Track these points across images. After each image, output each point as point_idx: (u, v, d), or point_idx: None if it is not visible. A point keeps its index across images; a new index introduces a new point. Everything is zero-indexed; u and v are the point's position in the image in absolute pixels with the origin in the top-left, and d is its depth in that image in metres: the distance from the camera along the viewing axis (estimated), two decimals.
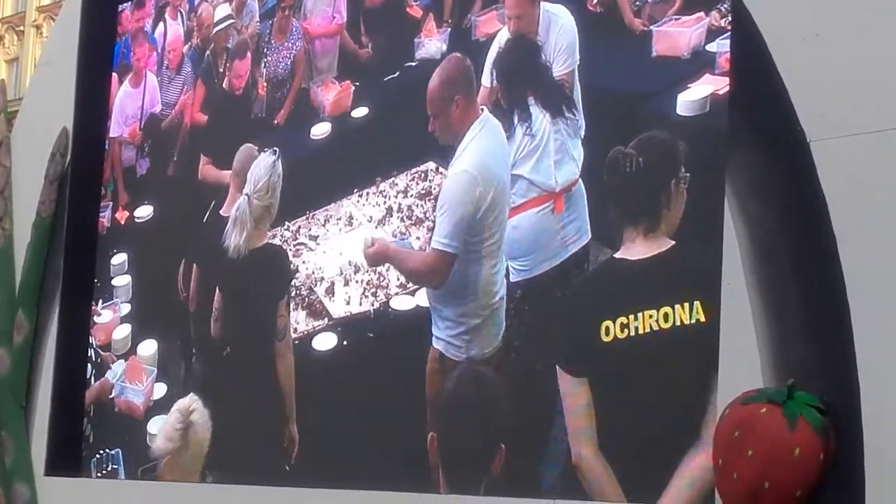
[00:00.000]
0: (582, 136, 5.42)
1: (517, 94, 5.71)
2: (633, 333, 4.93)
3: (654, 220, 4.99)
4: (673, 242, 4.95)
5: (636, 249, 5.04)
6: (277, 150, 6.86)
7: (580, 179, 5.40)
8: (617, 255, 5.14)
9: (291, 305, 6.65)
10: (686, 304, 4.79)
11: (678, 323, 4.83)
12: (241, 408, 6.82)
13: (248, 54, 7.21)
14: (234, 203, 7.05)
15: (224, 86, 7.36)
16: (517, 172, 5.62)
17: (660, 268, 4.96)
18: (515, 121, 5.67)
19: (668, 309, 4.86)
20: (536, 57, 5.65)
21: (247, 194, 6.90)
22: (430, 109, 6.10)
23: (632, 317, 4.94)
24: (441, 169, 6.06)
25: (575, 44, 5.53)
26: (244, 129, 7.16)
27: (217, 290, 7.08)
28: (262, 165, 6.90)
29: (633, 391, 4.96)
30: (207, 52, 7.52)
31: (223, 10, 7.47)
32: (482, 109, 5.91)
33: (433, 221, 6.05)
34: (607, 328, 5.01)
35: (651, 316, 4.90)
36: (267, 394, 6.65)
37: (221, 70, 7.43)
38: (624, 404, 4.97)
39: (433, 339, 5.86)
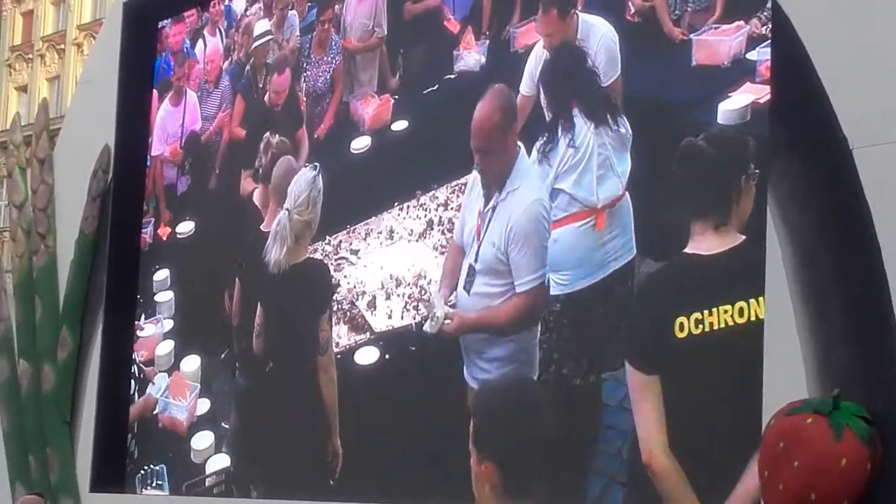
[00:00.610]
0: (630, 148, 5.37)
1: (562, 104, 5.67)
2: (707, 329, 4.84)
3: (724, 214, 4.90)
4: (744, 237, 4.86)
5: (707, 244, 4.95)
6: (318, 165, 6.86)
7: (626, 194, 5.35)
8: (688, 251, 5.03)
9: (333, 320, 6.65)
10: (761, 299, 4.67)
11: (753, 318, 4.74)
12: (284, 422, 6.82)
13: (287, 70, 7.22)
14: (274, 218, 7.06)
15: (265, 100, 7.37)
16: (559, 186, 5.59)
17: (733, 262, 4.87)
18: (559, 132, 5.62)
19: (743, 304, 4.79)
20: (582, 64, 5.62)
21: (287, 209, 6.91)
22: (475, 144, 6.07)
23: (706, 312, 4.86)
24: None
25: (616, 53, 5.51)
26: (284, 145, 7.18)
27: (259, 306, 7.09)
28: (303, 180, 6.91)
29: (706, 388, 4.86)
30: (247, 67, 7.54)
31: (262, 25, 7.49)
32: (519, 146, 5.91)
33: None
34: (681, 324, 4.93)
35: (726, 311, 4.83)
36: (310, 408, 6.66)
37: (261, 85, 7.46)
38: (696, 401, 4.87)
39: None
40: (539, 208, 5.78)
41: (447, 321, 6.05)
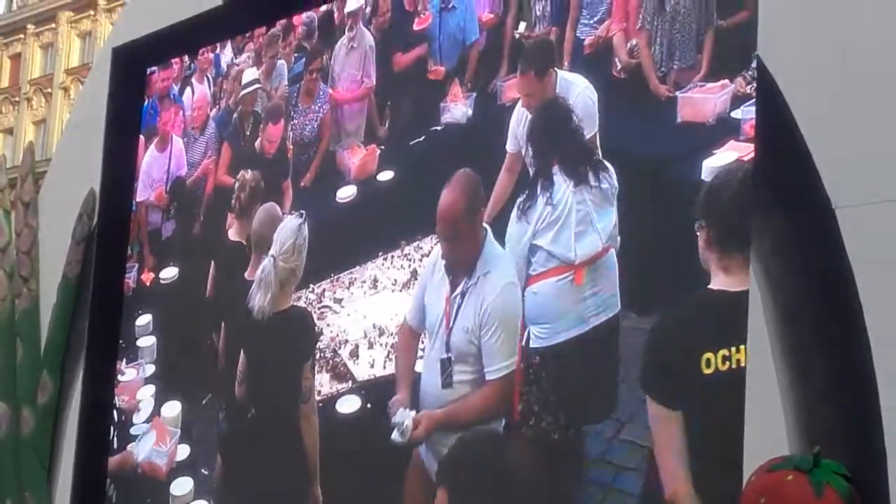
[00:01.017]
0: (615, 202, 5.39)
1: (544, 161, 5.71)
2: (734, 366, 4.74)
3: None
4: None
5: (733, 280, 4.88)
6: (304, 212, 6.88)
7: (612, 249, 5.34)
8: (714, 287, 4.98)
9: (316, 368, 6.65)
10: None
11: None
12: (265, 469, 6.81)
13: (282, 120, 7.25)
14: (257, 265, 7.07)
15: (255, 146, 7.39)
16: (537, 243, 5.62)
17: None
18: (538, 190, 5.67)
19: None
20: (566, 122, 5.66)
21: (273, 256, 6.92)
22: (440, 231, 6.14)
23: (734, 349, 4.77)
24: None
25: (594, 110, 5.55)
26: (270, 191, 7.20)
27: (242, 353, 7.09)
28: (289, 228, 6.93)
29: (730, 425, 4.66)
30: (234, 115, 7.58)
31: (250, 73, 7.53)
32: (486, 229, 5.98)
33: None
34: (708, 360, 4.88)
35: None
36: (291, 455, 6.64)
37: (248, 132, 7.49)
38: (720, 438, 4.72)
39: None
40: (514, 291, 5.80)
41: (417, 429, 5.98)
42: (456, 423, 5.90)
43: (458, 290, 6.00)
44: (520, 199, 5.73)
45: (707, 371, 4.86)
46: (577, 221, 5.49)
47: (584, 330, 5.39)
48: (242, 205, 7.31)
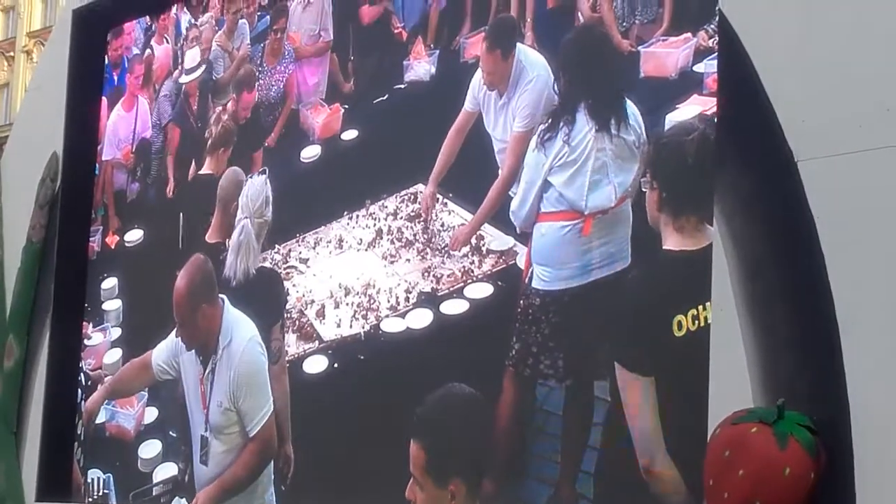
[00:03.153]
0: (639, 156, 5.22)
1: (570, 94, 5.52)
2: (702, 324, 4.70)
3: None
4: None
5: (689, 240, 4.88)
6: (266, 169, 6.85)
7: (627, 200, 5.20)
8: (671, 248, 4.95)
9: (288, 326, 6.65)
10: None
11: None
12: None
13: (255, 89, 7.20)
14: (219, 229, 7.04)
15: (222, 118, 7.34)
16: (551, 179, 5.51)
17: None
18: (560, 124, 5.51)
19: None
20: (601, 59, 5.51)
21: (247, 217, 6.87)
22: (178, 317, 6.81)
23: (700, 307, 4.72)
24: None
25: (541, 97, 5.55)
26: (235, 152, 7.17)
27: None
28: (254, 186, 6.90)
29: (703, 384, 4.59)
30: (179, 97, 7.56)
31: (193, 56, 7.51)
32: (223, 300, 6.53)
33: (422, 244, 6.06)
34: (679, 322, 4.84)
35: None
36: None
37: (195, 109, 7.46)
38: (694, 399, 4.60)
39: None
40: (255, 346, 6.40)
41: None
42: (231, 490, 6.54)
43: (209, 367, 6.62)
44: (542, 128, 5.58)
45: (679, 333, 4.85)
46: (593, 169, 5.36)
47: (586, 281, 5.30)
48: (215, 140, 7.29)
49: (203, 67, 7.52)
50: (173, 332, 7.10)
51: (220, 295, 6.80)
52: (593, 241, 5.32)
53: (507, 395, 5.54)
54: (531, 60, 5.68)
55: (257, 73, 7.15)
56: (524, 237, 5.61)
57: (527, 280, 5.55)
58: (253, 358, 6.57)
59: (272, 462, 6.49)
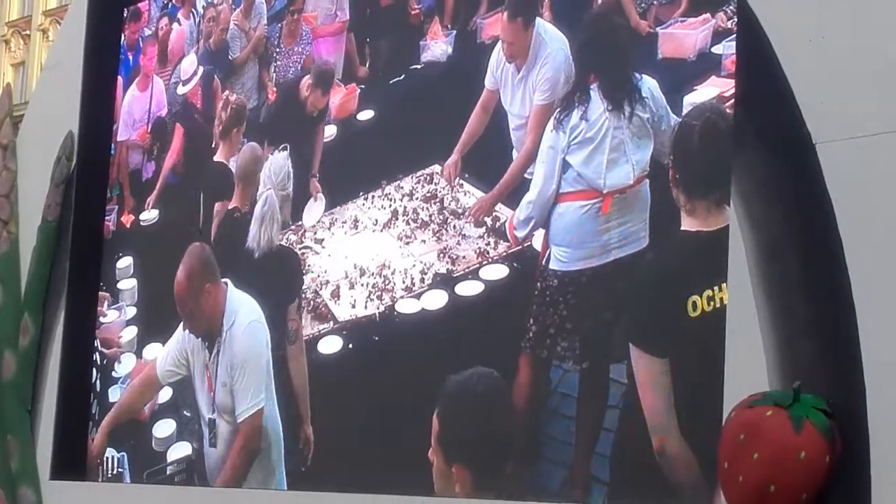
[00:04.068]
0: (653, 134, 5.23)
1: (582, 73, 5.54)
2: (718, 305, 4.68)
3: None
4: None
5: (704, 221, 4.86)
6: (287, 146, 6.81)
7: (645, 180, 5.20)
8: (689, 228, 4.94)
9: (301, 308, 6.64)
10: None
11: None
12: None
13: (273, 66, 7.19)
14: (240, 200, 7.03)
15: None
16: (569, 159, 5.50)
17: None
18: (575, 102, 5.51)
19: None
20: (612, 37, 5.51)
21: (270, 189, 6.85)
22: (180, 309, 6.96)
23: (716, 288, 4.72)
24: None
25: (561, 70, 5.53)
26: (252, 131, 7.16)
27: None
28: (276, 161, 6.86)
29: (718, 365, 4.56)
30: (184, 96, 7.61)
31: (190, 62, 7.57)
32: (226, 283, 6.64)
33: (438, 225, 6.05)
34: (694, 303, 4.83)
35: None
36: (281, 396, 6.64)
37: (200, 107, 7.50)
38: (709, 380, 4.59)
39: None
40: (258, 327, 6.47)
41: None
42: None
43: (214, 350, 6.73)
44: (557, 109, 5.58)
45: (694, 314, 4.84)
46: (610, 148, 5.35)
47: (605, 261, 5.30)
48: (224, 126, 7.28)
49: (201, 69, 7.51)
50: (177, 332, 7.16)
51: (224, 279, 6.84)
52: (612, 221, 5.30)
53: (523, 377, 5.53)
54: (550, 34, 5.66)
55: (274, 55, 7.13)
56: (542, 219, 5.59)
57: (544, 262, 5.54)
58: (253, 340, 6.62)
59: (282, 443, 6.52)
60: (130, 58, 8.10)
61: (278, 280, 6.81)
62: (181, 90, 7.67)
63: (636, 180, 5.23)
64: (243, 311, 6.73)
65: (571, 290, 5.40)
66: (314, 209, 6.70)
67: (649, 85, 5.23)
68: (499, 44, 5.88)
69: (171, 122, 7.73)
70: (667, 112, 5.15)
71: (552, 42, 5.64)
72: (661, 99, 5.19)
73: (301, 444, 6.50)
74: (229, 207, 7.11)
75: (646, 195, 5.21)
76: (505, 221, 5.77)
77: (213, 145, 7.35)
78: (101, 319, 7.86)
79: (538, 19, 5.71)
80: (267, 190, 6.87)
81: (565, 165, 5.51)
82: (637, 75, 5.28)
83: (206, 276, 6.98)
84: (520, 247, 5.70)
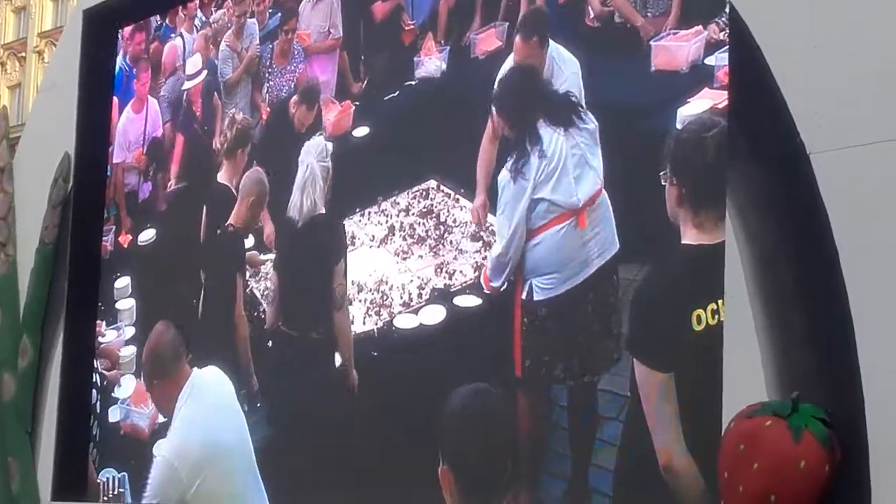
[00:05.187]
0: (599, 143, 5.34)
1: (524, 121, 5.65)
2: (722, 318, 4.63)
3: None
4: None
5: (707, 234, 4.86)
6: (322, 132, 6.72)
7: (603, 190, 5.30)
8: (689, 242, 4.95)
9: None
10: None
11: None
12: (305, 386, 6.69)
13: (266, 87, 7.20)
14: (240, 217, 7.03)
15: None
16: (538, 196, 5.55)
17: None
18: (528, 147, 5.60)
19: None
20: (537, 79, 5.63)
21: (312, 157, 6.71)
22: (147, 372, 7.17)
23: (720, 302, 4.67)
24: (442, 186, 6.07)
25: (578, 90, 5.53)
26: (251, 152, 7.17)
27: (273, 270, 6.90)
28: (315, 144, 6.75)
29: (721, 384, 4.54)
30: (183, 100, 7.59)
31: (195, 62, 7.51)
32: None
33: (434, 240, 6.06)
34: (699, 317, 4.82)
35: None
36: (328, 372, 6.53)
37: (200, 116, 7.47)
38: (713, 399, 4.54)
39: None
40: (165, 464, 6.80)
41: None
42: None
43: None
44: (509, 162, 5.67)
45: (698, 328, 4.83)
46: (573, 166, 5.43)
47: (588, 273, 5.33)
48: (229, 146, 7.27)
49: (205, 72, 7.52)
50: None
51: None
52: (588, 233, 5.36)
53: (521, 397, 5.54)
54: (564, 58, 5.62)
55: (266, 75, 7.14)
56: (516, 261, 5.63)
57: (524, 297, 5.55)
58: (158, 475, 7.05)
59: None
60: (125, 78, 8.10)
61: (321, 243, 6.65)
62: (186, 85, 7.62)
63: (601, 187, 5.32)
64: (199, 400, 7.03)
65: (560, 313, 5.44)
66: None
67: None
68: (504, 68, 5.83)
69: (171, 134, 7.70)
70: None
71: (567, 67, 5.59)
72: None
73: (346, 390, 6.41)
74: (226, 224, 7.10)
75: (607, 201, 5.29)
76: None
77: (216, 161, 7.35)
78: (100, 338, 7.86)
79: (551, 41, 5.66)
80: (308, 159, 6.74)
81: (534, 204, 5.56)
82: (573, 91, 5.42)
83: (177, 353, 7.21)
84: (499, 292, 5.71)
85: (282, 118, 7.00)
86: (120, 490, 7.55)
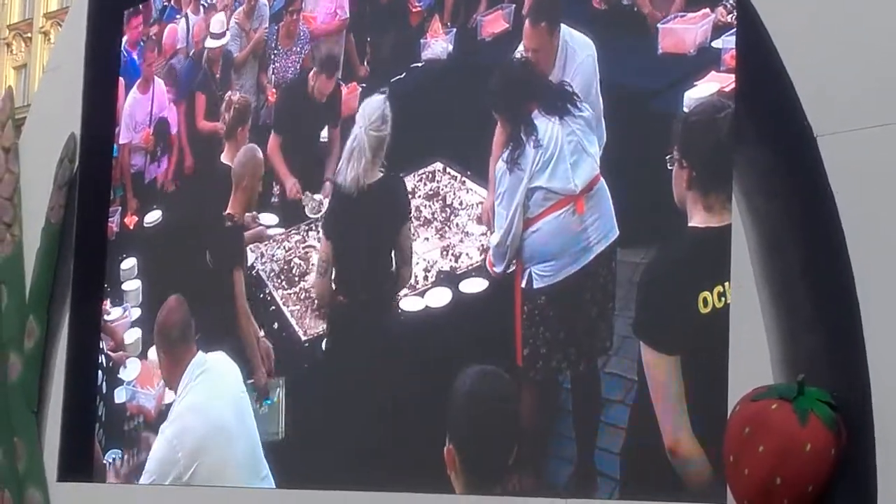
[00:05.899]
0: (603, 126, 5.33)
1: (519, 114, 5.65)
2: (729, 300, 4.62)
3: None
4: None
5: (714, 216, 4.86)
6: (386, 89, 6.52)
7: (601, 177, 5.31)
8: (697, 224, 4.94)
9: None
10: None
11: None
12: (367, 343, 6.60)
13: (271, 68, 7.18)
14: (238, 204, 7.02)
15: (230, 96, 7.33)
16: (534, 185, 5.55)
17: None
18: (523, 138, 5.61)
19: None
20: (530, 71, 5.64)
21: (361, 127, 6.59)
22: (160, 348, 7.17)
23: (727, 284, 4.65)
24: (449, 169, 6.07)
25: (592, 75, 5.48)
26: (253, 132, 7.16)
27: (324, 240, 6.71)
28: (372, 102, 6.56)
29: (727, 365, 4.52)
30: (203, 63, 7.53)
31: (219, 20, 7.46)
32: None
33: (441, 223, 6.05)
34: (705, 299, 4.82)
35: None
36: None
37: (218, 75, 7.43)
38: (719, 382, 4.52)
39: None
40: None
41: None
42: None
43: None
44: (505, 153, 5.67)
45: (704, 311, 4.83)
46: (570, 153, 5.43)
47: (588, 259, 5.33)
48: (230, 126, 7.26)
49: (229, 35, 7.48)
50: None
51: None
52: (587, 219, 5.36)
53: (528, 385, 5.55)
54: (578, 41, 5.57)
55: (273, 56, 7.13)
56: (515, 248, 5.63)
57: (524, 285, 5.54)
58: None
59: None
60: (132, 57, 8.09)
61: (386, 204, 6.47)
62: (210, 43, 7.55)
63: (598, 174, 5.32)
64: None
65: (559, 300, 5.44)
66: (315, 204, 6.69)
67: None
68: (515, 55, 5.81)
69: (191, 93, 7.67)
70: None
71: (581, 49, 5.54)
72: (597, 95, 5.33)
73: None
74: (225, 213, 7.10)
75: (605, 187, 5.29)
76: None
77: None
78: (105, 317, 7.86)
79: (563, 26, 5.62)
80: (358, 128, 6.62)
81: (531, 192, 5.55)
82: (568, 81, 5.43)
83: (184, 331, 7.26)
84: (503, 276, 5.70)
85: (300, 91, 6.95)
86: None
